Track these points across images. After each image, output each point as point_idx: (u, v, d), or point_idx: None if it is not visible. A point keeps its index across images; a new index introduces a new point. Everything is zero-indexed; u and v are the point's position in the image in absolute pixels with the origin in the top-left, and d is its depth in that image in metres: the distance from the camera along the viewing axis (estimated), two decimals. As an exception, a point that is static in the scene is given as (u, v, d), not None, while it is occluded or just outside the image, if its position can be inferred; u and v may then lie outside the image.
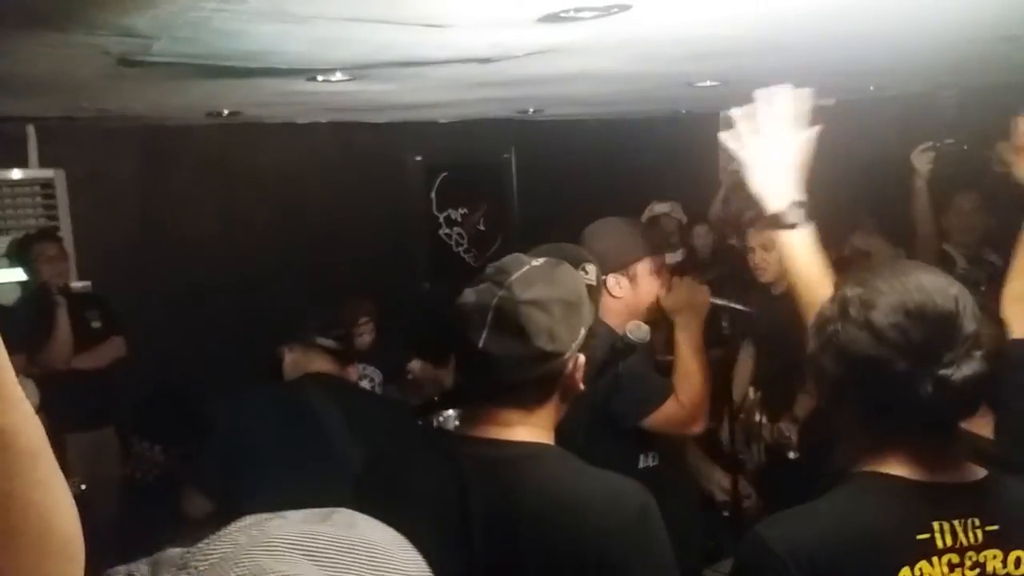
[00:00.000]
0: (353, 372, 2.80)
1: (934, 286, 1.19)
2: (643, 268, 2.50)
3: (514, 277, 1.37)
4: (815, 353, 1.27)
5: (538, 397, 1.42)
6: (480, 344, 1.35)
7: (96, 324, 4.10)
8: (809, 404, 3.53)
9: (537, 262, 1.42)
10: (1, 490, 0.39)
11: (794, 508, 1.26)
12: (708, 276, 4.85)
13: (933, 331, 1.14)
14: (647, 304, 2.50)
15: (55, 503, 0.42)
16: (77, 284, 4.25)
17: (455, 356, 1.49)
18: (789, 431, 3.31)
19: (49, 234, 4.20)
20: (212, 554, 0.51)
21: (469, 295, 1.41)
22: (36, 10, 1.78)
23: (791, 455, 3.29)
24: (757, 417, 3.48)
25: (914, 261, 1.55)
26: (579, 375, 1.42)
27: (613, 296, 2.44)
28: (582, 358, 1.42)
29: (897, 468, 1.22)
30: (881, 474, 1.23)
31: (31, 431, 0.42)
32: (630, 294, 2.47)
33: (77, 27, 1.92)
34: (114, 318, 4.22)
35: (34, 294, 3.93)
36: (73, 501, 0.44)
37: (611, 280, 2.44)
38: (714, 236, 5.45)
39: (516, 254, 1.46)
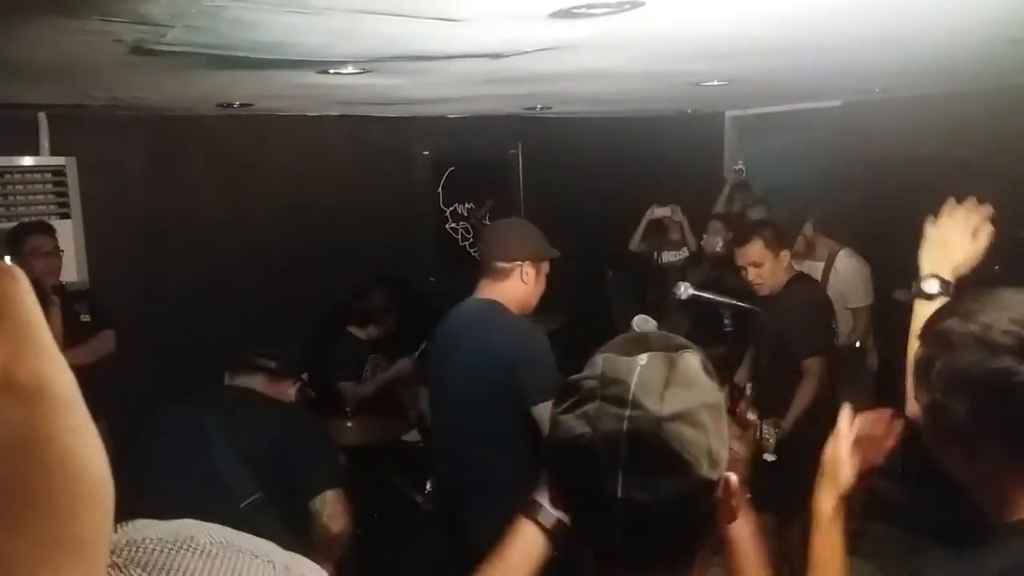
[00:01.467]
0: (287, 388, 2.80)
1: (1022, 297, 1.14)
2: (544, 268, 2.71)
3: (634, 386, 0.98)
4: (934, 405, 1.15)
5: (695, 546, 1.04)
6: (619, 492, 0.94)
7: (85, 318, 4.02)
8: (800, 408, 3.56)
9: (643, 359, 1.02)
10: (39, 434, 0.42)
11: (963, 553, 1.13)
12: (716, 273, 4.89)
13: None
14: (535, 302, 2.71)
15: (87, 449, 0.45)
16: (75, 280, 4.20)
17: (572, 506, 1.06)
18: (769, 433, 3.34)
19: (43, 227, 4.03)
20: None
21: (574, 424, 0.98)
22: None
23: (767, 456, 3.32)
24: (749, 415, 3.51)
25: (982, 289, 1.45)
26: (736, 501, 1.03)
27: (522, 282, 2.65)
28: (735, 478, 1.02)
29: None
30: None
31: (66, 381, 0.45)
32: (532, 286, 2.67)
33: (92, 13, 1.93)
34: (104, 312, 4.15)
35: (38, 294, 3.90)
36: (103, 449, 0.46)
37: (525, 267, 2.64)
38: (727, 233, 5.49)
39: (603, 354, 1.06)
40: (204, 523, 0.58)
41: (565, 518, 1.26)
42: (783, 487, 3.62)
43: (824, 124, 5.76)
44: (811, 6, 2.17)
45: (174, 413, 2.72)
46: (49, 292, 3.83)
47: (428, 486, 3.86)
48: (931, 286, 1.61)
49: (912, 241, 1.74)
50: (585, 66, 3.12)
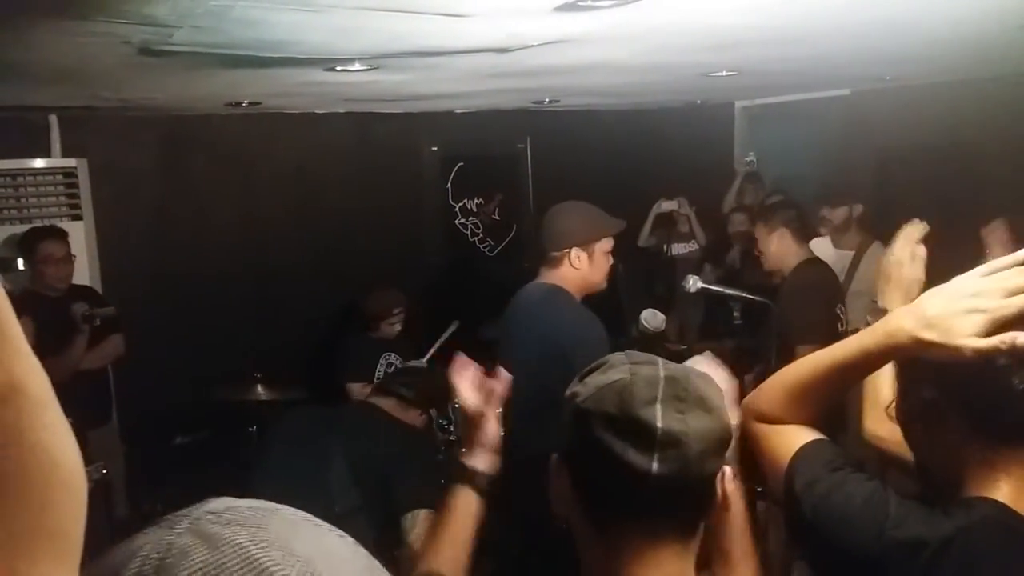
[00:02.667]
0: (415, 416, 2.93)
1: None
2: (601, 247, 2.75)
3: (655, 360, 1.07)
4: (904, 382, 1.21)
5: (699, 521, 1.07)
6: (659, 422, 0.98)
7: (96, 323, 3.96)
8: None
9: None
10: (14, 431, 0.44)
11: (920, 511, 1.16)
12: (733, 267, 4.87)
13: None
14: (599, 280, 2.76)
15: (61, 443, 0.47)
16: (86, 282, 4.24)
17: (602, 460, 1.03)
18: None
19: (55, 232, 4.00)
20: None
21: (610, 376, 1.04)
22: (60, -1, 1.81)
23: None
24: None
25: None
26: (732, 489, 1.09)
27: (573, 267, 2.70)
28: (730, 470, 1.08)
29: (1010, 497, 1.12)
30: (1001, 504, 1.11)
31: (39, 381, 0.47)
32: (587, 268, 2.72)
33: (99, 15, 1.95)
34: (113, 316, 4.10)
35: (51, 299, 3.91)
36: (76, 443, 0.48)
37: (573, 253, 2.69)
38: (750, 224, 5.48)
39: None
40: (282, 506, 0.65)
41: (494, 474, 1.42)
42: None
43: (834, 113, 5.72)
44: (818, -5, 2.16)
45: (306, 415, 2.90)
46: (80, 321, 3.83)
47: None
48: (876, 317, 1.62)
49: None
50: (591, 59, 3.11)
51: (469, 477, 1.44)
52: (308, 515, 0.64)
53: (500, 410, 1.52)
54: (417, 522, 2.56)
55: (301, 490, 2.43)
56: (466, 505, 1.43)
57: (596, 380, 1.05)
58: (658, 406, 0.99)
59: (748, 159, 5.85)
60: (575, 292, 2.72)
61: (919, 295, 1.35)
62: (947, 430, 1.14)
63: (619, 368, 1.05)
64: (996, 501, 1.10)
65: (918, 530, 1.09)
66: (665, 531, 1.03)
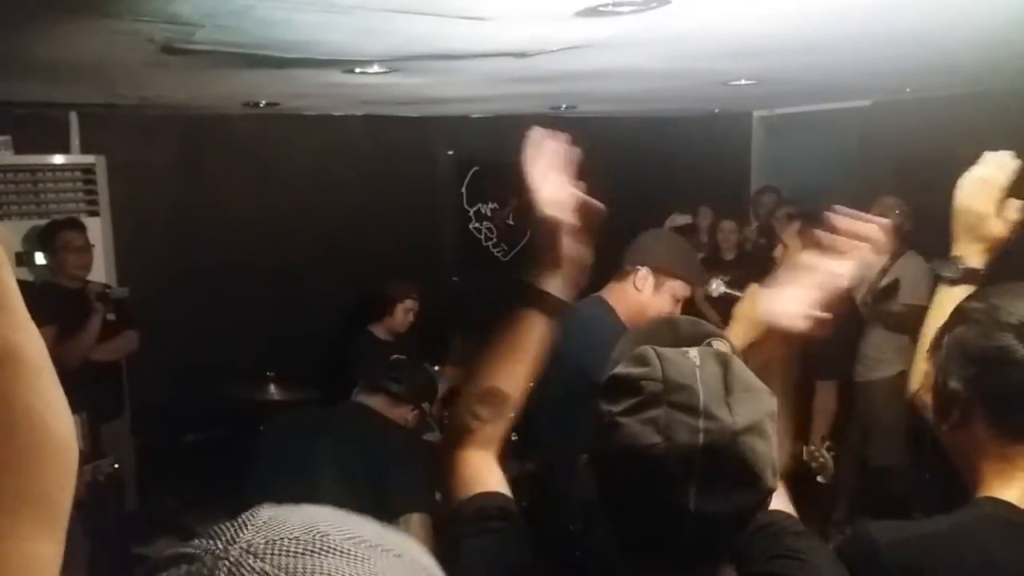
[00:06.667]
0: (406, 412, 2.86)
1: None
2: (673, 285, 2.57)
3: (702, 393, 0.95)
4: (938, 373, 1.22)
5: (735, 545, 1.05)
6: (691, 505, 0.92)
7: (111, 317, 4.03)
8: (825, 426, 3.47)
9: (694, 356, 1.00)
10: (6, 396, 0.45)
11: (915, 521, 1.19)
12: (730, 276, 4.83)
13: None
14: (650, 313, 2.55)
15: (55, 412, 0.47)
16: (102, 279, 4.27)
17: (631, 511, 1.01)
18: (823, 456, 3.11)
19: (74, 223, 4.13)
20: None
21: (642, 431, 0.94)
22: (85, -3, 1.82)
23: (821, 479, 3.12)
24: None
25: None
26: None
27: (636, 288, 2.54)
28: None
29: (1021, 496, 1.14)
30: (1006, 503, 1.14)
31: (36, 348, 0.47)
32: (648, 296, 2.55)
33: (124, 14, 1.96)
34: (128, 312, 4.18)
35: (70, 290, 3.95)
36: (70, 413, 0.49)
37: (642, 272, 2.54)
38: (739, 236, 5.42)
39: (645, 348, 1.03)
40: (325, 511, 0.59)
41: (567, 298, 1.31)
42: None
43: (853, 124, 5.68)
44: (841, 4, 2.15)
45: (294, 418, 2.88)
46: (94, 300, 3.87)
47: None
48: (949, 269, 1.54)
49: (944, 242, 1.69)
50: (611, 65, 3.10)
51: (539, 301, 1.31)
52: (361, 534, 0.57)
53: (581, 222, 1.33)
54: (410, 526, 2.47)
55: (290, 496, 2.42)
56: (534, 327, 1.31)
57: (626, 433, 0.95)
58: (693, 486, 0.92)
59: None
60: (625, 315, 2.55)
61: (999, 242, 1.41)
62: (970, 426, 1.17)
63: (651, 415, 0.94)
64: (1001, 500, 1.14)
65: (912, 530, 1.14)
66: (695, 564, 1.01)
